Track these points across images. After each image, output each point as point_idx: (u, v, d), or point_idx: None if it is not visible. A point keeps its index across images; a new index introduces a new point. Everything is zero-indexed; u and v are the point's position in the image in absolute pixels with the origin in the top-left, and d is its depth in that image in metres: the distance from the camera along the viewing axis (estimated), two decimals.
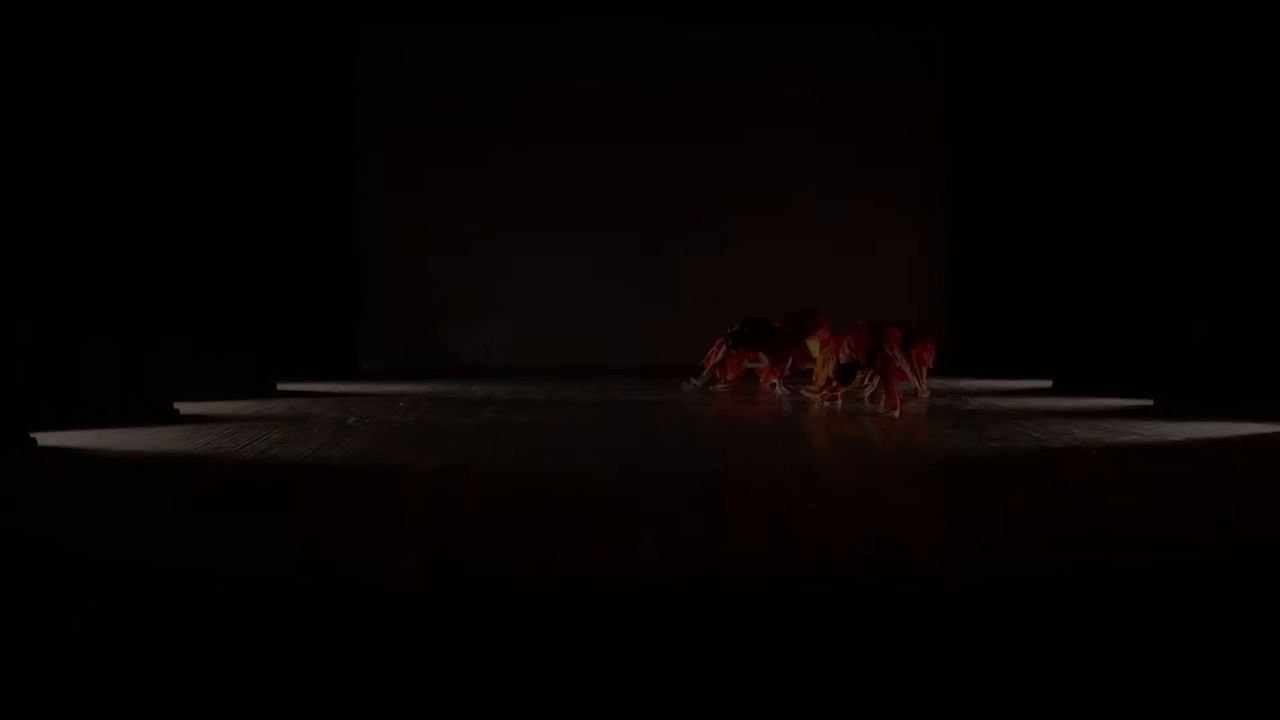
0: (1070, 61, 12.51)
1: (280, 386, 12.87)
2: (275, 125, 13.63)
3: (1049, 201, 13.24)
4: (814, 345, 12.05)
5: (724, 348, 12.42)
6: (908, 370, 10.99)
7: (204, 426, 9.70)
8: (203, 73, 11.86)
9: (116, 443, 8.75)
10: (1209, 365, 10.37)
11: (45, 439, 8.66)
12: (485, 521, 6.13)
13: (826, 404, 11.13)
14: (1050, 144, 13.06)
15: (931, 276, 15.77)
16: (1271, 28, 9.55)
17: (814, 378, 11.97)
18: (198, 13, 11.62)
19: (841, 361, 10.87)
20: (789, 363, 12.31)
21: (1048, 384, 12.66)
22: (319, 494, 7.02)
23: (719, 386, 12.44)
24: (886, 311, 11.93)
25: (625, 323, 15.68)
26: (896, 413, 10.32)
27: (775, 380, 12.36)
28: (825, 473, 7.60)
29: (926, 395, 11.77)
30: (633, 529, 5.89)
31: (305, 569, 5.16)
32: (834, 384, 11.05)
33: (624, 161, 15.47)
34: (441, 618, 4.67)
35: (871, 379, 11.04)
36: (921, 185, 15.71)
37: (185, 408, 10.65)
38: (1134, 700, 3.83)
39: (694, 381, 12.61)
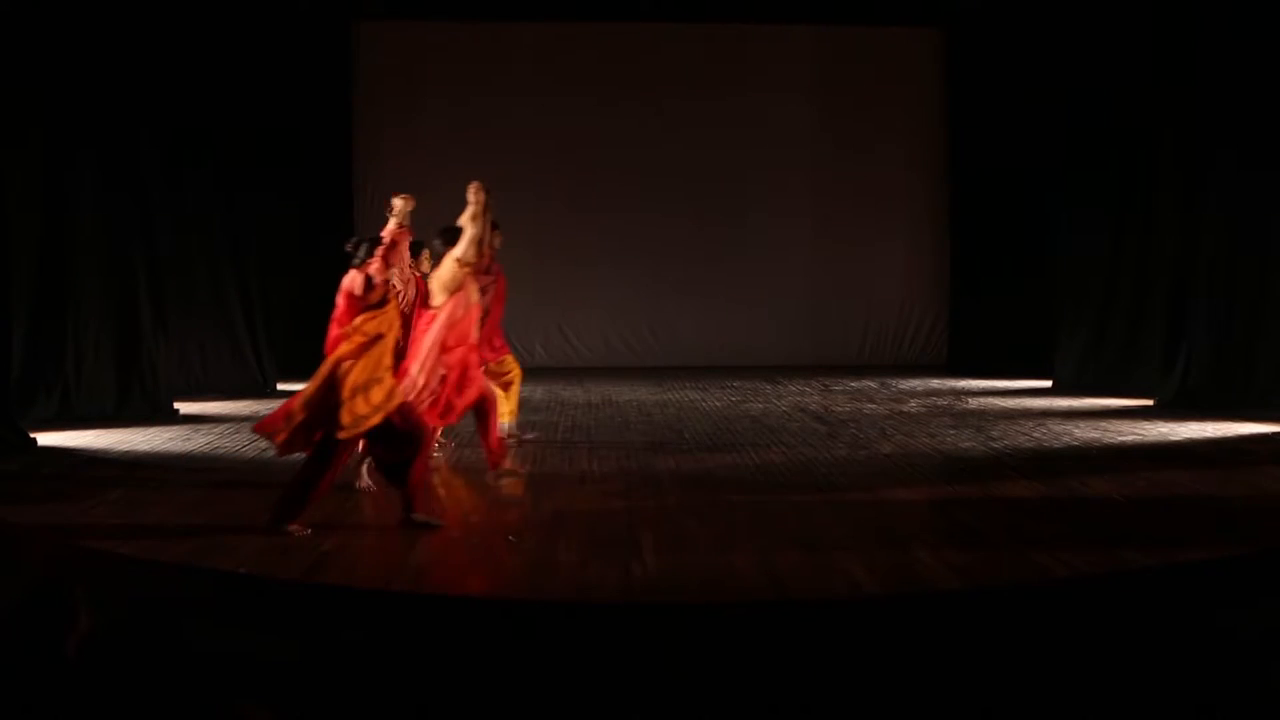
0: (1071, 61, 12.50)
1: (280, 386, 12.86)
2: (275, 124, 13.64)
3: (1049, 202, 13.23)
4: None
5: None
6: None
7: (204, 426, 9.70)
8: (203, 75, 11.86)
9: (116, 443, 8.75)
10: (1209, 366, 10.37)
11: (45, 439, 8.66)
12: (486, 521, 6.13)
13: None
14: (1052, 144, 13.05)
15: (932, 276, 15.77)
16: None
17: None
18: (199, 17, 11.63)
19: None
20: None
21: (1048, 384, 12.65)
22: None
23: None
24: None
25: (624, 322, 15.68)
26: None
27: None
28: (825, 472, 7.59)
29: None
30: (633, 528, 5.90)
31: (306, 569, 5.15)
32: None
33: (623, 162, 15.45)
34: (442, 617, 4.67)
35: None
36: (923, 184, 15.70)
37: (185, 408, 10.65)
38: (1133, 699, 3.84)
39: None
